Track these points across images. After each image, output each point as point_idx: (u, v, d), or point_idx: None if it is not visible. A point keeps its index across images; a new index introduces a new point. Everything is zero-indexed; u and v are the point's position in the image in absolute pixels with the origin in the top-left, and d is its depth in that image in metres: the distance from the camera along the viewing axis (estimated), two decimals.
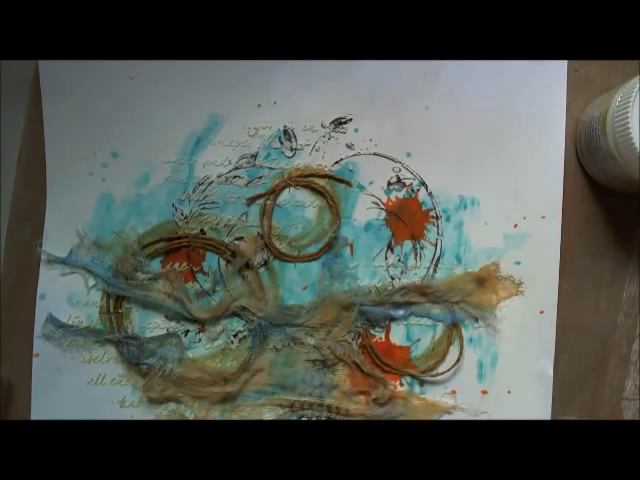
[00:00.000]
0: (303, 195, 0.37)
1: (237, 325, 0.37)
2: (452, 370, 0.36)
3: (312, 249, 0.37)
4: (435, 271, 0.36)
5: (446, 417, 0.36)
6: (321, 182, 0.37)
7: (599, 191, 0.37)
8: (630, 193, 0.36)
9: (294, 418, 0.36)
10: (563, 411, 0.36)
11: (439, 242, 0.37)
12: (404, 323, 0.36)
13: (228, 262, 0.37)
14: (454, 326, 0.36)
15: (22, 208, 0.37)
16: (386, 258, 0.37)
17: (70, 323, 0.36)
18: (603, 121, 0.33)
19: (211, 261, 0.37)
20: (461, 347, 0.36)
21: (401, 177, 0.37)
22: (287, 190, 0.37)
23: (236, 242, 0.37)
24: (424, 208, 0.37)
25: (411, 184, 0.37)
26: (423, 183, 0.37)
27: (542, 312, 0.36)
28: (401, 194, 0.37)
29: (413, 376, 0.36)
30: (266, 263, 0.37)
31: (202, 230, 0.37)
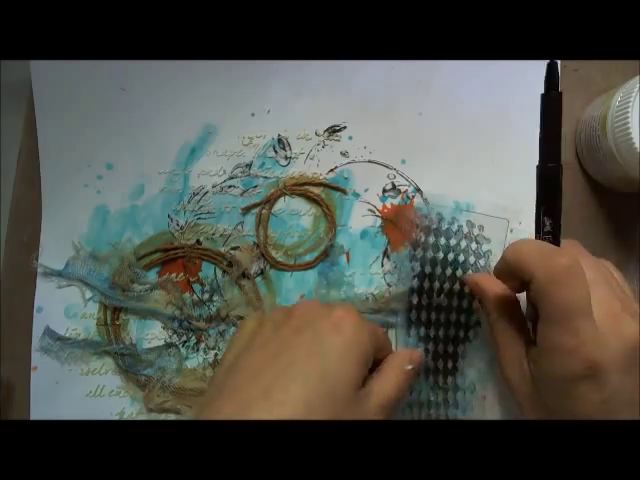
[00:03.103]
0: (298, 204, 0.37)
1: None
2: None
3: (308, 258, 0.37)
4: None
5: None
6: (316, 190, 0.37)
7: (599, 191, 0.37)
8: (630, 193, 0.36)
9: None
10: None
11: None
12: (401, 329, 0.36)
13: (224, 272, 0.37)
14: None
15: (22, 208, 0.37)
16: (382, 265, 0.37)
17: (67, 335, 0.36)
18: (603, 121, 0.33)
19: (207, 271, 0.37)
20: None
21: (396, 184, 0.37)
22: (282, 199, 0.37)
23: (232, 252, 0.37)
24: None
25: (406, 191, 0.37)
26: (418, 189, 0.37)
27: None
28: (396, 201, 0.37)
29: None
30: (262, 272, 0.37)
31: (198, 240, 0.37)
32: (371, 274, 0.36)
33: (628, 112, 0.31)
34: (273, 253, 0.37)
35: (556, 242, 0.29)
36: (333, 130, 0.37)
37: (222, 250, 0.37)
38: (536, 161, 0.36)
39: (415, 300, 0.35)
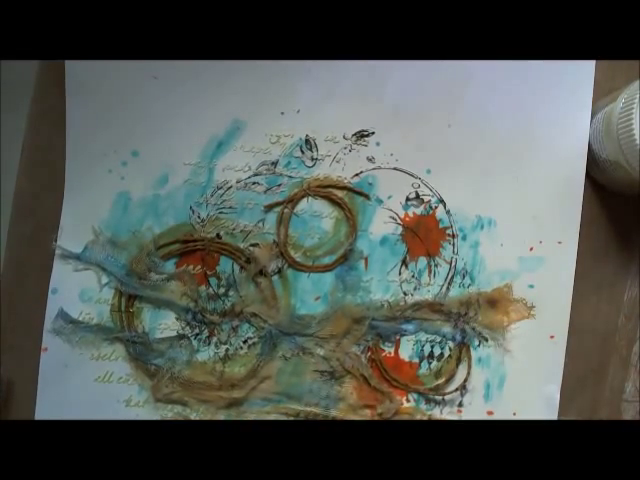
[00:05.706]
0: (321, 205, 0.37)
1: (247, 331, 0.37)
2: (459, 389, 0.36)
3: (327, 260, 0.37)
4: (448, 289, 0.36)
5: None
6: (340, 194, 0.37)
7: (601, 192, 0.37)
8: (632, 195, 0.36)
9: None
10: (563, 412, 0.36)
11: (454, 260, 0.37)
12: (414, 339, 0.36)
13: (242, 268, 0.37)
14: (463, 345, 0.36)
15: (24, 201, 0.37)
16: (400, 273, 0.37)
17: (81, 319, 0.36)
18: (607, 123, 0.33)
19: (225, 266, 0.37)
20: (469, 367, 0.36)
21: (420, 193, 0.37)
22: (305, 199, 0.37)
23: (251, 248, 0.37)
24: (441, 226, 0.37)
25: (429, 201, 0.37)
26: (441, 201, 0.37)
27: (552, 337, 0.36)
28: (419, 210, 0.37)
29: (420, 393, 0.36)
30: (280, 271, 0.37)
31: (218, 234, 0.37)
32: (388, 281, 0.36)
33: (632, 114, 0.30)
34: (292, 253, 0.37)
35: None
36: (361, 135, 0.37)
37: (241, 246, 0.37)
38: (560, 179, 0.36)
39: None
